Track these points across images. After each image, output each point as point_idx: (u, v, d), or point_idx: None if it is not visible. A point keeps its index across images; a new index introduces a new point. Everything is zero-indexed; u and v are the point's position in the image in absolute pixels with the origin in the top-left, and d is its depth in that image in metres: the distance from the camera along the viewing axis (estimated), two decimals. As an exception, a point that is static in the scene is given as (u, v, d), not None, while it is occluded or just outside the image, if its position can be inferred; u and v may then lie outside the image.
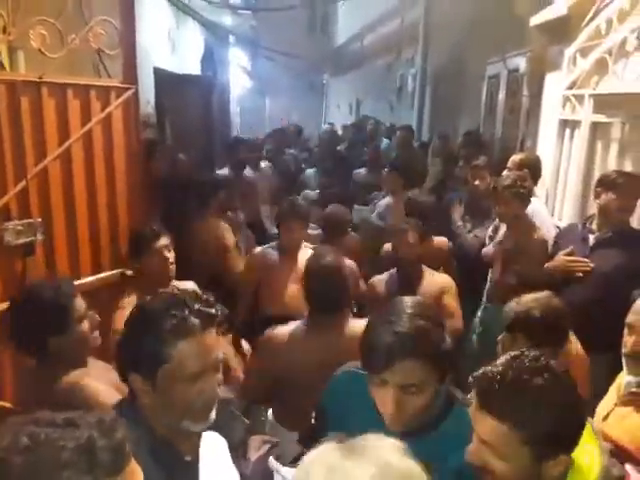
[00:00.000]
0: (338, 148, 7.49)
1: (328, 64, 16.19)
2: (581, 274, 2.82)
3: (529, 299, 1.97)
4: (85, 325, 1.89)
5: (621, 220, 2.83)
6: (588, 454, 1.19)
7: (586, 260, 2.83)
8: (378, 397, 1.37)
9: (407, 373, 1.32)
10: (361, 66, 12.41)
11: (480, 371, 1.21)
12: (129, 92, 3.10)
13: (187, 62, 7.63)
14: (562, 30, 3.81)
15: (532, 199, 3.40)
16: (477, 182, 4.09)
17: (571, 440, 1.16)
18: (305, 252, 3.17)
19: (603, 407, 1.88)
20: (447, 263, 3.69)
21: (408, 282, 2.98)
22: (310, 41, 16.23)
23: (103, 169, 3.00)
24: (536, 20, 4.07)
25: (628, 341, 1.77)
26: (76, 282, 2.86)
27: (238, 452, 1.42)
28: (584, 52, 3.57)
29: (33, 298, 1.82)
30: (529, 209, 3.33)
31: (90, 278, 2.96)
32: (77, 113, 2.83)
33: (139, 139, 3.27)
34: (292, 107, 15.83)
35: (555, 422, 1.12)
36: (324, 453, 0.90)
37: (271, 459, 1.20)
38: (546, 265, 2.98)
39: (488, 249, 3.49)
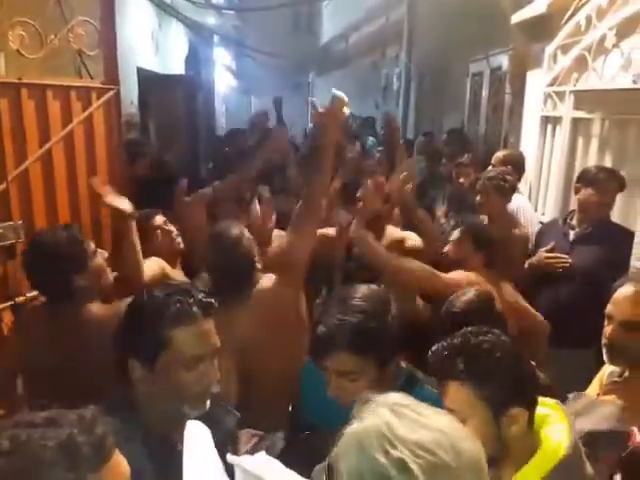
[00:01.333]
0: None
1: (313, 63, 16.20)
2: (560, 270, 2.85)
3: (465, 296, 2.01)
4: (99, 259, 2.09)
5: (601, 215, 2.87)
6: (559, 432, 1.24)
7: (565, 256, 2.86)
8: (326, 383, 1.45)
9: (342, 362, 1.40)
10: (347, 65, 12.43)
11: (432, 348, 1.32)
12: (110, 93, 3.08)
13: (171, 62, 7.60)
14: (542, 28, 3.84)
15: (516, 195, 3.43)
16: (461, 179, 4.12)
17: (521, 392, 1.24)
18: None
19: None
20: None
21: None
22: (295, 40, 16.22)
23: (85, 170, 2.97)
24: (517, 18, 4.11)
25: (606, 331, 1.80)
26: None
27: (228, 445, 1.42)
28: (564, 49, 3.61)
29: (50, 243, 1.94)
30: (514, 205, 3.37)
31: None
32: (58, 114, 2.81)
33: (121, 140, 3.25)
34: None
35: (502, 374, 1.22)
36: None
37: (229, 455, 1.20)
38: (527, 262, 3.01)
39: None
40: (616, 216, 3.03)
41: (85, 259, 2.00)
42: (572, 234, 2.94)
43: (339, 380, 1.41)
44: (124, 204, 2.49)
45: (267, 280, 2.16)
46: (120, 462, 0.91)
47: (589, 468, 1.22)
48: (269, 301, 2.09)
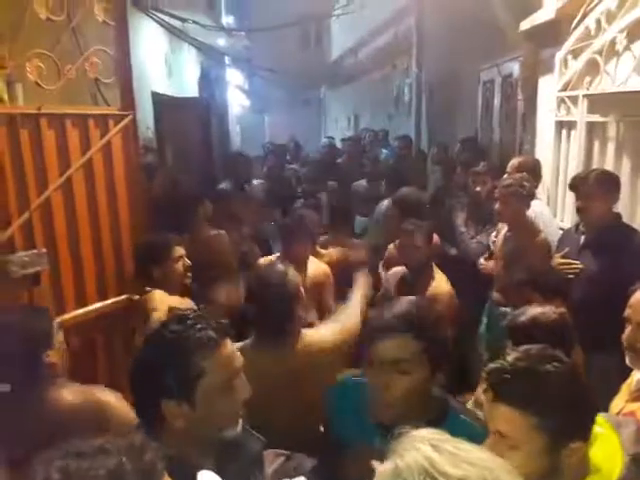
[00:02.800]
0: (338, 161, 7.53)
1: (324, 79, 16.30)
2: (572, 276, 2.84)
3: (534, 309, 1.99)
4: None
5: (602, 220, 2.85)
6: (611, 451, 1.21)
7: (576, 262, 2.85)
8: (369, 381, 1.45)
9: (391, 349, 1.41)
10: (357, 79, 12.49)
11: (491, 365, 1.25)
12: (127, 119, 3.14)
13: (184, 85, 7.70)
14: (552, 33, 3.84)
15: (535, 202, 3.41)
16: (478, 188, 4.11)
17: (583, 426, 1.19)
18: (314, 263, 3.19)
19: (615, 405, 1.88)
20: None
21: (418, 283, 2.97)
22: (305, 57, 16.37)
23: (104, 196, 3.03)
24: (526, 25, 4.11)
25: (625, 334, 1.79)
26: (83, 310, 2.90)
27: (254, 469, 1.43)
28: (575, 54, 3.60)
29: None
30: (532, 211, 3.35)
31: (97, 305, 2.98)
32: (76, 142, 2.87)
33: (139, 164, 3.31)
34: (291, 123, 15.92)
35: (566, 406, 1.16)
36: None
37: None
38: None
39: (484, 263, 3.52)
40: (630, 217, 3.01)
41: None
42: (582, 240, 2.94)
43: (385, 372, 1.41)
44: None
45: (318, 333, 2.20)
46: None
47: None
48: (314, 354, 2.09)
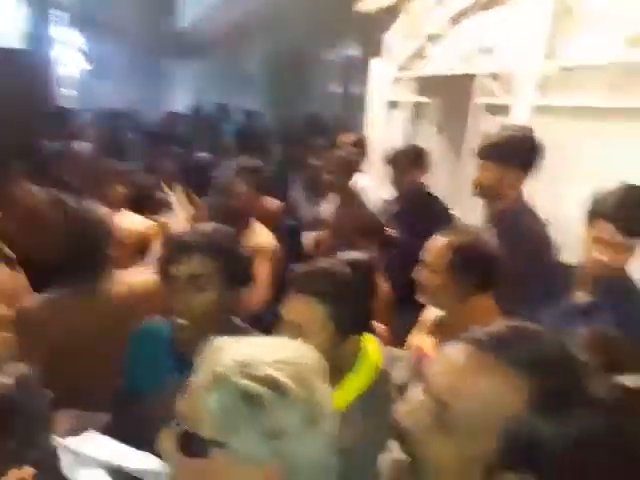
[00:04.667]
0: (178, 132, 7.29)
1: (172, 49, 15.66)
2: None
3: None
4: None
5: (408, 189, 3.12)
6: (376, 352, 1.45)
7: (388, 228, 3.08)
8: (168, 301, 1.49)
9: (189, 265, 1.46)
10: (206, 53, 12.19)
11: (298, 265, 1.43)
12: None
13: (8, 37, 6.94)
14: (386, 17, 4.03)
15: (362, 176, 3.57)
16: (316, 162, 4.21)
17: (363, 323, 1.42)
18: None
19: (411, 338, 2.02)
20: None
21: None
22: (152, 25, 15.57)
23: None
24: (362, 8, 4.27)
25: (417, 272, 1.93)
26: None
27: (39, 426, 1.31)
28: (405, 38, 3.81)
29: None
30: (358, 185, 3.50)
31: None
32: None
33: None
34: (133, 91, 15.06)
35: (355, 302, 1.35)
36: None
37: (54, 437, 1.12)
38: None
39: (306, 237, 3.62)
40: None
41: None
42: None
43: (187, 289, 1.45)
44: None
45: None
46: None
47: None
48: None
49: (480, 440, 0.72)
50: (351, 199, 3.30)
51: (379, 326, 2.05)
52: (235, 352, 0.83)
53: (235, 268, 1.52)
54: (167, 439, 0.83)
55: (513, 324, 0.78)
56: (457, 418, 0.72)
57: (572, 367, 0.73)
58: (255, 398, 0.77)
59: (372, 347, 1.46)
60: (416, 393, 0.78)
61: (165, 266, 1.50)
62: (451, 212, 3.07)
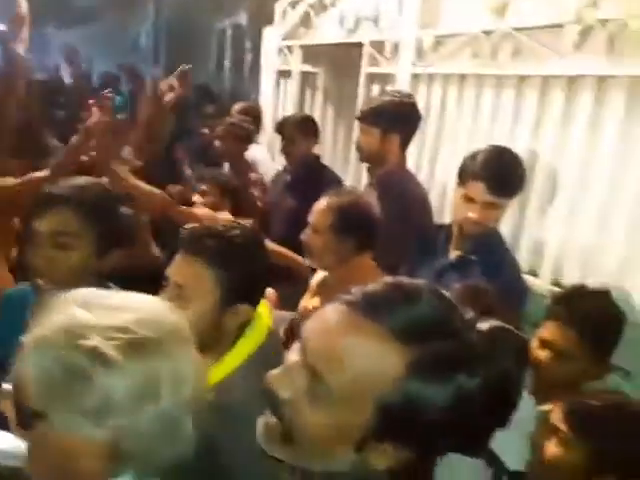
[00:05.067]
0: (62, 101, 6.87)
1: (53, 16, 14.58)
2: None
3: None
4: None
5: (301, 160, 3.09)
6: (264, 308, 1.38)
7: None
8: (29, 262, 1.39)
9: (52, 221, 1.37)
10: (92, 20, 11.49)
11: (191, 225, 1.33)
12: None
13: None
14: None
15: (255, 146, 3.54)
16: (206, 130, 4.13)
17: (254, 292, 1.30)
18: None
19: (303, 300, 2.08)
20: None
21: None
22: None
23: None
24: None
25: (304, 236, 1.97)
26: None
27: None
28: (293, 5, 3.79)
29: None
30: (251, 155, 3.47)
31: None
32: None
33: None
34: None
35: (245, 268, 1.25)
36: None
37: None
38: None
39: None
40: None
41: None
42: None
43: (50, 246, 1.36)
44: None
45: None
46: None
47: None
48: None
49: (354, 409, 0.67)
50: (245, 169, 3.27)
51: (268, 290, 2.07)
52: (71, 314, 0.74)
53: (109, 228, 1.43)
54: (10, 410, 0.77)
55: (391, 282, 0.71)
56: (330, 388, 0.67)
57: (451, 328, 0.67)
58: (77, 370, 0.70)
59: (264, 310, 1.41)
60: (292, 356, 0.73)
61: (30, 221, 1.39)
62: (341, 181, 3.12)
